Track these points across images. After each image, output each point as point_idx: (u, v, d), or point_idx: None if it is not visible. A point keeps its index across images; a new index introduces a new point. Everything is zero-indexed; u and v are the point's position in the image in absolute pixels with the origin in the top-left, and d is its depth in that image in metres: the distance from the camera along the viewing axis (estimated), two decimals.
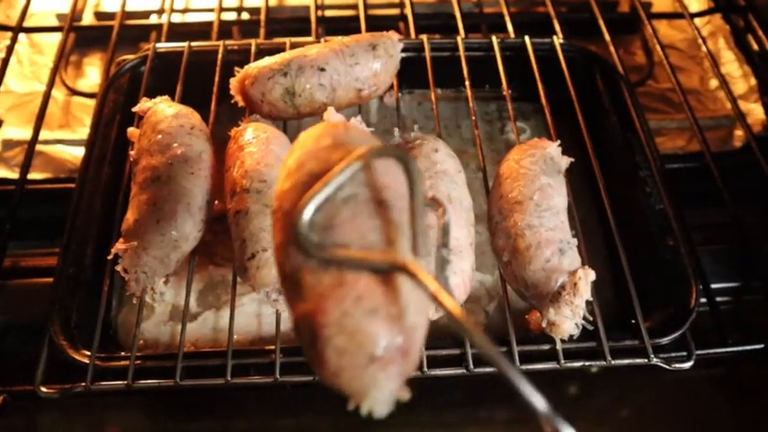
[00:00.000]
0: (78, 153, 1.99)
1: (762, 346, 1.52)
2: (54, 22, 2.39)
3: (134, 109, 1.64)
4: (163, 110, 1.55)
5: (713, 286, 1.59)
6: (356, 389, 0.75)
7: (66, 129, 2.11)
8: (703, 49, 2.15)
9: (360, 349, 0.73)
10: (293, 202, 0.81)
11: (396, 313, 0.75)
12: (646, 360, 1.39)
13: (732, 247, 1.73)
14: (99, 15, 2.44)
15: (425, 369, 1.37)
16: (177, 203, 1.38)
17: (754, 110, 2.13)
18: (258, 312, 1.58)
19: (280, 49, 1.78)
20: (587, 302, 1.30)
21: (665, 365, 1.41)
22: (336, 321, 0.74)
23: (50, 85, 1.98)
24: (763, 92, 2.16)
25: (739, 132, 2.05)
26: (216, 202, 1.54)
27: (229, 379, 1.35)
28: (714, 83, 2.22)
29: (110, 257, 1.37)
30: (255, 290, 1.36)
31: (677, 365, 1.42)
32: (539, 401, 0.72)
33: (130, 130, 1.60)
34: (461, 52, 1.85)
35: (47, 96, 1.95)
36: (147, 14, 2.38)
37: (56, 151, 2.02)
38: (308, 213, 0.78)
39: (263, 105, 1.61)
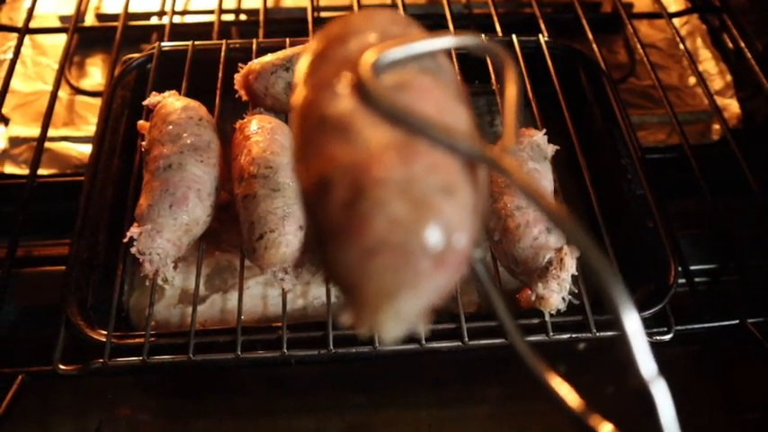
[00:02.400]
0: (83, 149, 2.06)
1: (737, 321, 1.61)
2: (56, 24, 2.46)
3: (144, 102, 1.72)
4: (172, 103, 1.63)
5: (691, 267, 1.68)
6: (387, 283, 0.55)
7: (71, 126, 2.18)
8: (682, 47, 2.25)
9: (420, 227, 0.54)
10: (358, 49, 0.65)
11: (470, 206, 0.58)
12: None
13: (709, 233, 1.82)
14: (100, 17, 2.51)
15: (423, 342, 1.45)
16: (189, 189, 1.46)
17: (730, 105, 2.24)
18: (264, 294, 1.66)
19: (280, 47, 1.86)
20: (573, 278, 1.39)
21: (646, 338, 1.50)
22: (399, 182, 0.55)
23: (57, 84, 2.05)
24: (738, 88, 2.27)
25: (716, 126, 2.16)
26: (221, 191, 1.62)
27: (239, 354, 1.42)
28: (692, 80, 2.33)
29: (125, 240, 1.44)
30: (263, 270, 1.43)
31: (658, 338, 1.52)
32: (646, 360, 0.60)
33: (141, 122, 1.68)
34: (452, 50, 1.94)
35: (53, 95, 2.01)
36: (147, 16, 2.45)
37: (62, 148, 2.08)
38: (383, 59, 0.61)
39: (266, 99, 1.69)
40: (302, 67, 0.69)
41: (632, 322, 0.59)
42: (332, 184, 0.57)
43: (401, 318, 0.56)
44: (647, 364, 0.60)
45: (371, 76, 0.61)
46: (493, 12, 2.23)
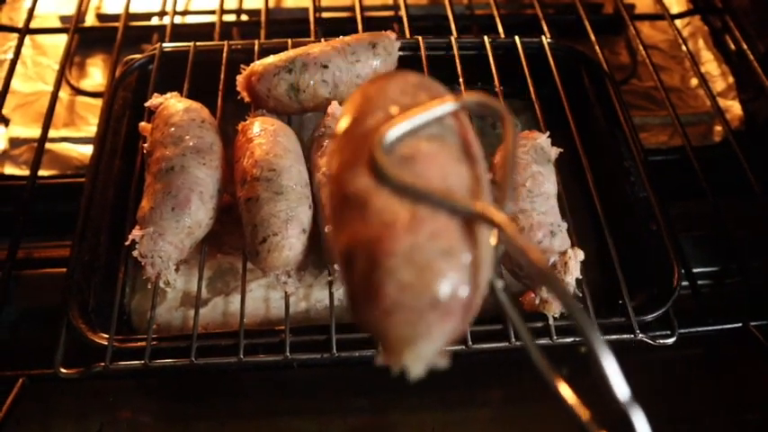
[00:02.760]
0: (84, 150, 2.06)
1: (740, 324, 1.61)
2: (56, 24, 2.45)
3: (146, 104, 1.71)
4: (174, 104, 1.63)
5: (694, 270, 1.68)
6: (405, 335, 0.66)
7: (72, 127, 2.17)
8: (684, 49, 2.25)
9: (425, 289, 0.64)
10: (373, 126, 0.74)
11: (470, 263, 0.68)
12: (632, 336, 1.48)
13: (711, 234, 1.82)
14: (101, 17, 2.50)
15: None
16: (191, 192, 1.45)
17: (732, 106, 2.23)
18: (266, 297, 1.65)
19: (282, 48, 1.85)
20: (577, 281, 1.39)
21: (649, 341, 1.50)
22: (406, 252, 0.64)
23: (57, 84, 2.04)
24: (740, 89, 2.27)
25: (718, 128, 2.16)
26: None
27: (242, 357, 1.42)
28: (694, 81, 2.32)
29: (127, 243, 1.44)
30: (266, 273, 1.43)
31: (661, 341, 1.51)
32: (621, 387, 0.68)
33: (142, 124, 1.67)
34: (455, 51, 1.94)
35: (54, 96, 2.00)
36: (148, 16, 2.44)
37: (62, 149, 2.08)
38: (391, 136, 0.70)
39: (268, 101, 1.69)
40: (333, 145, 0.81)
41: (610, 363, 0.71)
42: (354, 257, 0.69)
43: (421, 359, 0.70)
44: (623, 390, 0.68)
45: (381, 155, 0.71)
46: (495, 13, 2.22)
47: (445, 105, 0.77)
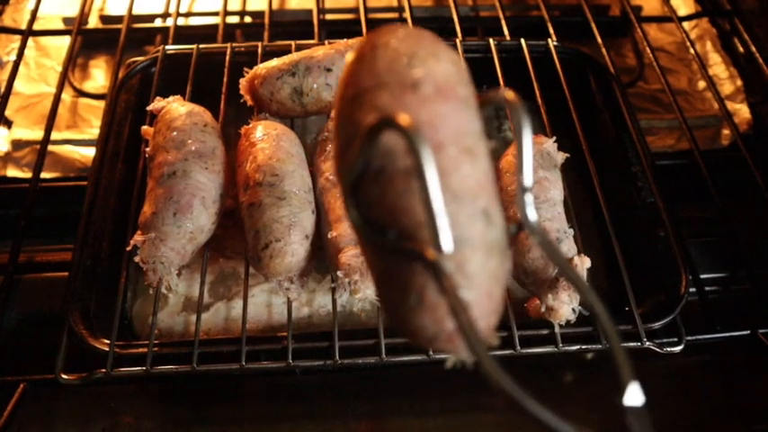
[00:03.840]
0: (87, 152, 2.05)
1: (748, 332, 1.59)
2: (59, 26, 2.44)
3: (148, 108, 1.70)
4: (176, 108, 1.62)
5: (702, 276, 1.66)
6: (442, 350, 0.77)
7: (74, 129, 2.16)
8: (691, 51, 2.23)
9: (421, 335, 0.72)
10: (336, 171, 0.80)
11: (435, 304, 0.70)
12: (639, 344, 1.47)
13: (719, 240, 1.80)
14: (104, 19, 2.49)
15: (431, 353, 1.43)
16: (193, 197, 1.44)
17: (740, 110, 2.21)
18: (268, 302, 1.64)
19: (285, 51, 1.84)
20: None
21: (657, 349, 1.48)
22: (392, 309, 0.74)
23: (60, 86, 2.03)
24: (748, 92, 2.25)
25: (726, 131, 2.14)
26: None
27: (244, 364, 1.41)
28: (702, 84, 2.30)
29: (128, 248, 1.42)
30: (268, 279, 1.42)
31: (669, 349, 1.50)
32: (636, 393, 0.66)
33: (144, 128, 1.66)
34: (460, 54, 1.92)
35: (57, 98, 1.99)
36: (151, 18, 2.43)
37: (65, 151, 2.07)
38: (349, 196, 0.73)
39: (271, 104, 1.67)
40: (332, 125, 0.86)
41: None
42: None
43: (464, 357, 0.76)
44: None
45: (353, 215, 0.75)
46: (501, 15, 2.21)
47: (369, 142, 0.71)
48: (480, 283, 0.73)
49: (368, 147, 0.72)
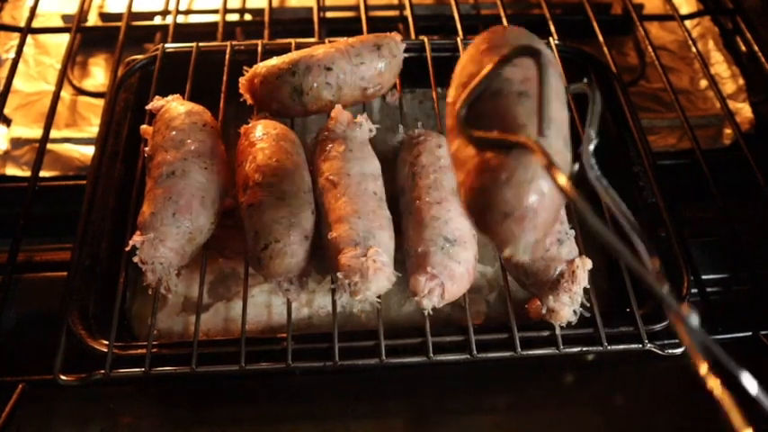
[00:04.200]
0: (86, 151, 2.04)
1: (750, 333, 1.59)
2: (59, 23, 2.44)
3: (147, 107, 1.69)
4: (176, 107, 1.61)
5: (703, 277, 1.65)
6: (501, 239, 0.95)
7: (74, 127, 2.16)
8: (693, 50, 2.22)
9: (499, 209, 0.92)
10: (456, 98, 1.04)
11: (521, 181, 0.91)
12: (640, 345, 1.46)
13: (721, 240, 1.79)
14: (104, 16, 2.48)
15: (431, 355, 1.43)
16: (192, 197, 1.43)
17: (742, 109, 2.20)
18: (268, 303, 1.63)
19: (285, 49, 1.83)
20: (584, 290, 1.36)
21: (658, 351, 1.48)
22: (477, 189, 0.94)
23: (59, 84, 2.02)
24: (750, 91, 2.24)
25: (728, 131, 2.13)
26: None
27: (243, 365, 1.40)
28: (704, 83, 2.29)
29: (127, 249, 1.42)
30: (268, 279, 1.41)
31: (670, 351, 1.49)
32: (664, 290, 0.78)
33: (143, 127, 1.65)
34: (461, 52, 1.91)
35: (56, 96, 1.99)
36: (151, 16, 2.42)
37: (64, 149, 2.06)
38: (462, 109, 0.99)
39: (271, 103, 1.66)
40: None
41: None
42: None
43: (521, 249, 0.96)
44: None
45: (460, 123, 1.00)
46: (502, 13, 2.20)
47: (495, 68, 0.99)
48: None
49: (494, 74, 0.99)
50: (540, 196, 0.94)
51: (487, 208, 0.94)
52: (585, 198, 0.88)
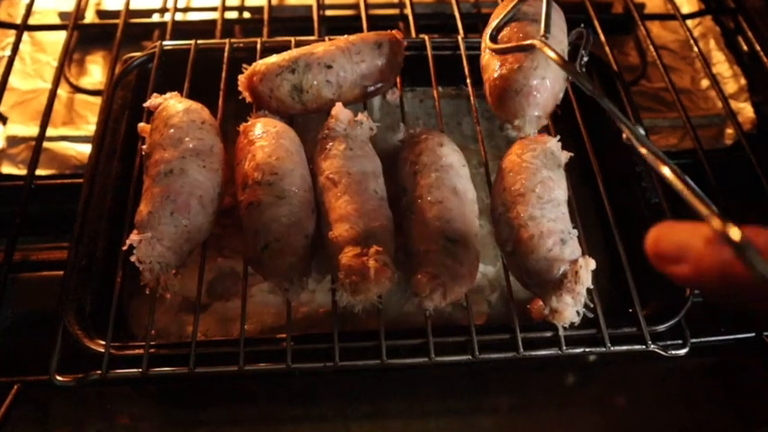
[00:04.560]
0: (83, 149, 2.02)
1: (753, 334, 1.57)
2: (56, 20, 2.41)
3: (145, 104, 1.67)
4: (174, 105, 1.59)
5: None
6: (513, 111, 1.46)
7: (71, 126, 2.13)
8: (695, 49, 2.21)
9: (510, 88, 1.46)
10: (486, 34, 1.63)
11: (528, 67, 1.46)
12: (643, 346, 1.45)
13: None
14: (101, 14, 2.46)
15: (432, 356, 1.41)
16: (190, 196, 1.41)
17: (744, 109, 2.19)
18: (267, 303, 1.62)
19: (285, 47, 1.81)
20: (587, 290, 1.35)
21: (661, 352, 1.46)
22: (497, 77, 1.51)
23: (56, 82, 2.00)
24: (752, 91, 2.23)
25: (730, 130, 2.12)
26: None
27: (242, 366, 1.38)
28: (705, 82, 2.28)
29: (124, 248, 1.40)
30: (267, 279, 1.39)
31: (673, 352, 1.48)
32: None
33: (141, 125, 1.64)
34: (462, 51, 1.90)
35: (53, 94, 1.96)
36: (149, 13, 2.40)
37: (60, 148, 2.04)
38: (492, 32, 1.60)
39: (271, 101, 1.65)
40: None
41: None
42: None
43: (528, 123, 1.51)
44: None
45: (490, 42, 1.63)
46: None
47: (514, 4, 1.61)
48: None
49: (515, 8, 1.61)
50: (542, 79, 1.45)
51: (504, 89, 1.44)
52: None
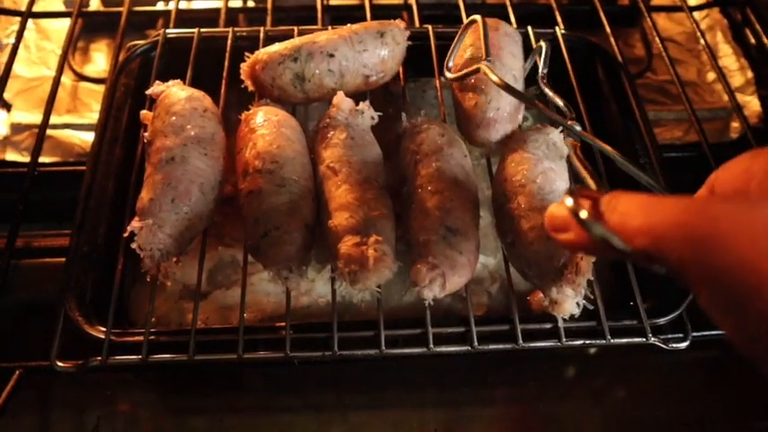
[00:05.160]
0: (86, 137, 2.03)
1: None
2: (60, 8, 2.41)
3: (147, 92, 1.67)
4: (176, 93, 1.59)
5: None
6: (478, 142, 1.63)
7: (74, 113, 2.14)
8: (701, 42, 2.19)
9: (472, 122, 1.60)
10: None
11: (483, 102, 1.57)
12: (644, 339, 1.44)
13: None
14: (105, 1, 2.46)
15: (431, 346, 1.41)
16: (192, 183, 1.41)
17: (750, 102, 2.17)
18: (267, 291, 1.62)
19: (288, 36, 1.81)
20: (588, 282, 1.34)
21: (662, 345, 1.46)
22: (461, 111, 1.65)
23: (60, 70, 2.01)
24: (759, 85, 2.21)
25: (736, 124, 2.10)
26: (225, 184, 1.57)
27: (241, 354, 1.39)
28: (711, 75, 2.26)
29: (125, 235, 1.40)
30: (267, 267, 1.39)
31: (674, 345, 1.47)
32: None
33: (143, 112, 1.63)
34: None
35: (56, 81, 1.97)
36: (153, 1, 2.41)
37: (64, 135, 2.05)
38: (446, 64, 1.69)
39: (272, 90, 1.64)
40: None
41: None
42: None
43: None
44: None
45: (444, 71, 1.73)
46: (507, 2, 2.16)
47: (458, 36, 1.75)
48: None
49: (458, 39, 1.73)
50: (497, 110, 1.57)
51: (466, 123, 1.59)
52: None
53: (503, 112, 1.58)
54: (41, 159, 1.86)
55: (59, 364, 1.40)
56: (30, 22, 2.23)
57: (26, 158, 1.94)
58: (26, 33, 2.18)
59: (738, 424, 1.55)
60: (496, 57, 1.63)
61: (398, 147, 1.61)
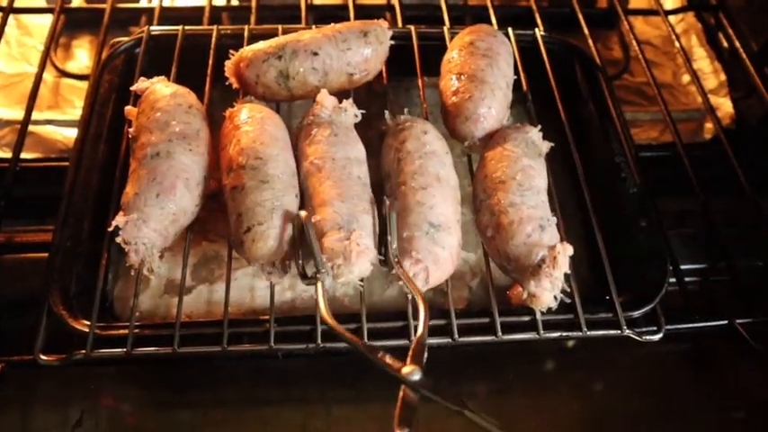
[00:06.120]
0: (69, 133, 2.02)
1: (725, 322, 1.61)
2: (42, 4, 2.41)
3: (132, 88, 1.68)
4: (161, 89, 1.60)
5: (682, 267, 1.68)
6: (463, 135, 1.65)
7: (56, 109, 2.13)
8: (677, 45, 2.24)
9: (461, 115, 1.64)
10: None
11: (476, 98, 1.63)
12: (618, 332, 1.48)
13: (700, 232, 1.82)
14: None
15: (413, 338, 1.43)
16: (176, 178, 1.42)
17: (723, 104, 2.23)
18: (251, 286, 1.63)
19: (272, 34, 1.83)
20: (565, 276, 1.38)
21: (636, 337, 1.50)
22: (451, 105, 1.68)
23: (42, 66, 2.00)
24: (732, 87, 2.27)
25: (709, 125, 2.16)
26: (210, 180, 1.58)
27: (225, 346, 1.40)
28: (686, 78, 2.32)
29: (110, 229, 1.41)
30: (250, 262, 1.41)
31: (648, 338, 1.51)
32: None
33: (128, 108, 1.64)
34: (448, 42, 1.92)
35: (38, 78, 1.96)
36: None
37: (46, 131, 2.04)
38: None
39: (257, 87, 1.66)
40: None
41: None
42: None
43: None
44: None
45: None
46: (488, 4, 2.21)
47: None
48: None
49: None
50: (488, 109, 1.61)
51: (455, 115, 1.61)
52: None
53: (493, 111, 1.63)
54: (24, 156, 1.85)
55: (43, 357, 1.40)
56: (11, 17, 2.22)
57: (7, 154, 1.93)
58: (7, 29, 2.17)
59: (712, 415, 1.60)
60: (494, 61, 1.71)
61: (382, 144, 1.64)
